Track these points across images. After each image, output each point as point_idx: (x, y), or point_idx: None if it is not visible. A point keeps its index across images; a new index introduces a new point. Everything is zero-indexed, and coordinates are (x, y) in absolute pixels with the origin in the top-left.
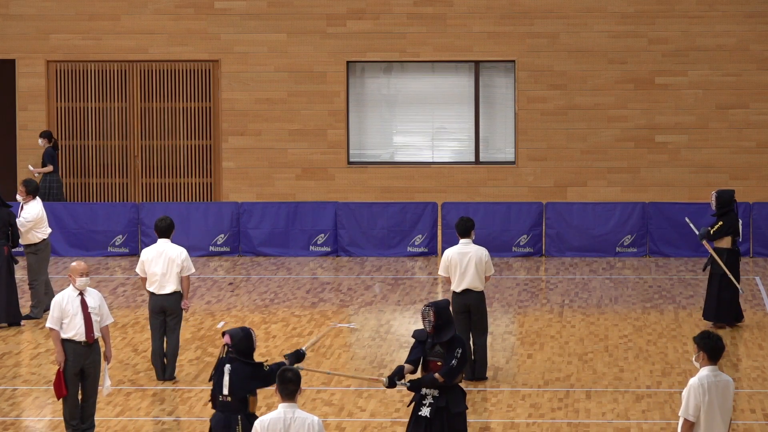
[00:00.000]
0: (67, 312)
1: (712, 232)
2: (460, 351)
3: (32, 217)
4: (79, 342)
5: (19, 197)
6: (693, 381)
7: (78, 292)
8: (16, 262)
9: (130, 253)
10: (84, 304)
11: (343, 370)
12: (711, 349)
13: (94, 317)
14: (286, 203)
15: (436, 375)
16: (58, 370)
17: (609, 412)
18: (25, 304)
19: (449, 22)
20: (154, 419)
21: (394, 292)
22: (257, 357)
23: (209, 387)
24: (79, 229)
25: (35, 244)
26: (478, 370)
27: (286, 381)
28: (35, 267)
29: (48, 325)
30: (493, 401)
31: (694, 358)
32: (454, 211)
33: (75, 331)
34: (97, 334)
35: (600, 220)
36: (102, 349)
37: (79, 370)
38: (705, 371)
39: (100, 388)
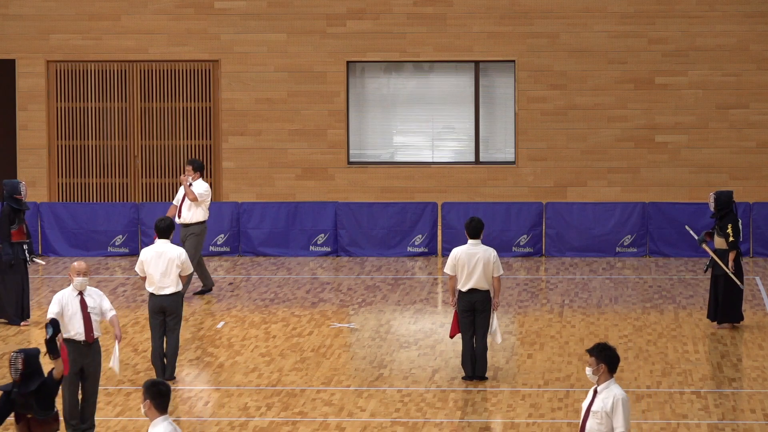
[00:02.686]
0: (66, 311)
1: (732, 238)
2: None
3: (204, 189)
4: (79, 341)
5: (187, 176)
6: (622, 394)
7: (77, 291)
8: (4, 259)
9: (130, 253)
10: (83, 304)
11: (342, 371)
12: (612, 360)
13: (93, 317)
14: (286, 203)
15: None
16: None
17: None
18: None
19: (449, 22)
20: None
21: (394, 292)
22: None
23: (209, 387)
24: (79, 229)
25: (196, 224)
26: (478, 370)
27: (163, 394)
28: (193, 248)
29: (49, 316)
30: (493, 401)
31: (591, 371)
32: (454, 211)
33: (75, 330)
34: (97, 333)
35: (600, 220)
36: (105, 348)
37: (78, 370)
38: (613, 383)
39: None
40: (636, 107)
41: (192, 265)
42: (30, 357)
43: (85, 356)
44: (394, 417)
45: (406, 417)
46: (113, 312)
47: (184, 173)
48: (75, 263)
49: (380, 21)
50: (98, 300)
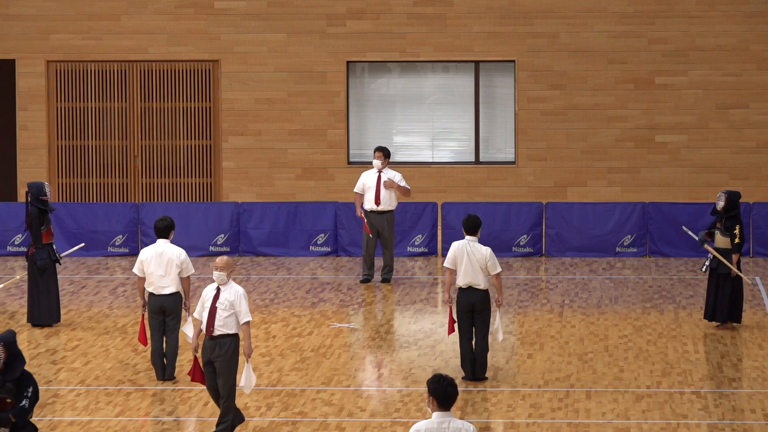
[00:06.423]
0: (204, 303)
1: (738, 240)
2: (31, 390)
3: (401, 178)
4: (205, 334)
5: (378, 162)
6: (411, 429)
7: (216, 284)
8: (38, 264)
9: (130, 253)
10: (216, 297)
11: (342, 371)
12: (442, 394)
13: (220, 312)
14: (286, 203)
15: (11, 415)
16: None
17: (609, 412)
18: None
19: (449, 22)
20: (154, 419)
21: (394, 292)
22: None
23: None
24: (79, 229)
25: (392, 211)
26: (477, 371)
27: None
28: (393, 234)
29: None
30: (493, 401)
31: (427, 402)
32: (454, 211)
33: (203, 322)
34: (222, 330)
35: (600, 220)
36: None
37: (207, 362)
38: (433, 417)
39: (240, 386)
40: (636, 107)
41: (392, 249)
42: (9, 343)
43: (211, 350)
44: (394, 417)
45: (406, 417)
46: (246, 319)
47: (374, 159)
48: (217, 258)
49: (380, 21)
50: (233, 296)
